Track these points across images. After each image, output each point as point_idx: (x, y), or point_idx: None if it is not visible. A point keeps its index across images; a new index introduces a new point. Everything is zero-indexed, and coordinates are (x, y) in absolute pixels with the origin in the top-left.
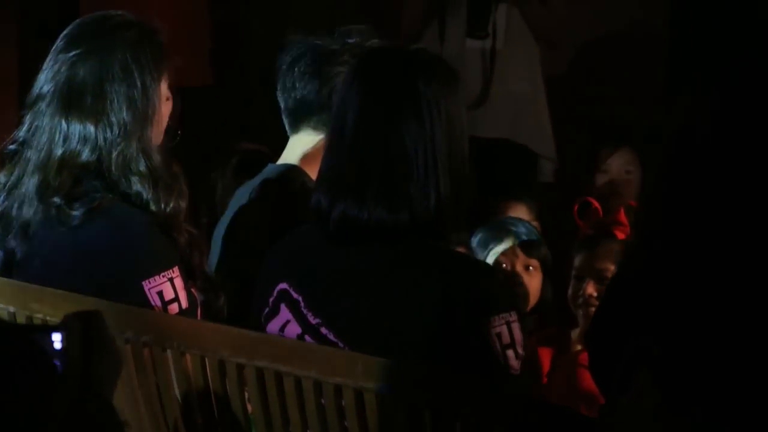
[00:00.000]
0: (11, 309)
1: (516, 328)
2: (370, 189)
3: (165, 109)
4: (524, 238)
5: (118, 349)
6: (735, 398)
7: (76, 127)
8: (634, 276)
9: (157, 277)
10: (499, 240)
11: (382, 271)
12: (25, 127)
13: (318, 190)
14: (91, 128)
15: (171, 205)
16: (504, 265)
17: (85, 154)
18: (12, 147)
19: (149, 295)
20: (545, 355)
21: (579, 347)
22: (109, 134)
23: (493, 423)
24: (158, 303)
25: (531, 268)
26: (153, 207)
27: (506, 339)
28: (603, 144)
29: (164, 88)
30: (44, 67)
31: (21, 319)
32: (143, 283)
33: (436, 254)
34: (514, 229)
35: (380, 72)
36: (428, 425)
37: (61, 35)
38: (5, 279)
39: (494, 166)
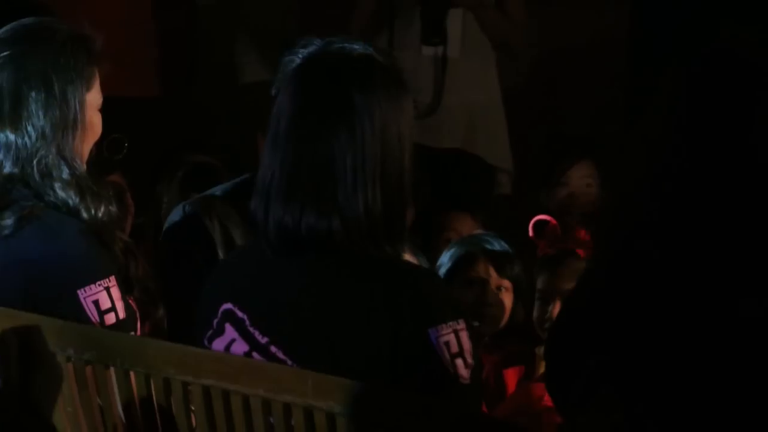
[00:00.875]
0: None
1: (464, 336)
2: (298, 195)
3: (96, 118)
4: (497, 257)
5: (58, 366)
6: (696, 416)
7: (8, 133)
8: (592, 293)
9: (92, 286)
10: (471, 258)
11: (322, 282)
12: None
13: (254, 198)
14: (12, 136)
15: (101, 212)
16: (474, 285)
17: (8, 164)
18: None
19: (84, 304)
20: (511, 377)
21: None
22: (28, 142)
23: None
24: (94, 312)
25: (503, 288)
26: (84, 214)
27: (454, 348)
28: (562, 156)
29: (93, 96)
30: None
31: None
32: (78, 291)
33: (375, 264)
34: (487, 246)
35: (315, 78)
36: None
37: None
38: None
39: (448, 178)
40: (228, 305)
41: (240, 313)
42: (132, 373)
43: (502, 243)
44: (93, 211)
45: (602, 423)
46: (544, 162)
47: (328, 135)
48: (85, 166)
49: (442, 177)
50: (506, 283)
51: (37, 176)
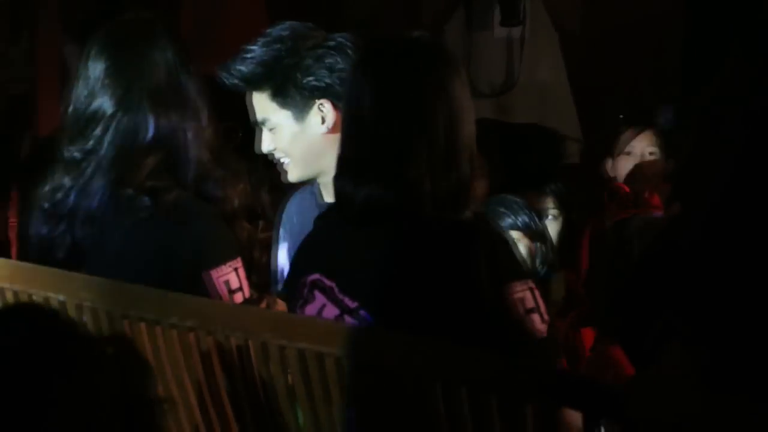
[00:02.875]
0: (61, 297)
1: (537, 294)
2: (379, 171)
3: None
4: (522, 227)
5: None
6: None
7: (149, 124)
8: (665, 252)
9: (223, 267)
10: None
11: (403, 248)
12: (98, 130)
13: (340, 176)
14: (164, 122)
15: (235, 200)
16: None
17: (156, 150)
18: (77, 155)
19: (217, 284)
20: (588, 336)
21: None
22: (176, 131)
23: (526, 395)
24: (225, 292)
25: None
26: (218, 201)
27: (530, 303)
28: (626, 127)
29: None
30: (104, 72)
31: (71, 308)
32: (211, 272)
33: (458, 228)
34: (511, 220)
35: (385, 62)
36: (465, 401)
37: (124, 37)
38: (54, 269)
39: (524, 150)
40: (315, 275)
41: (328, 282)
42: (232, 338)
43: (530, 215)
44: (227, 199)
45: (673, 375)
46: (610, 133)
47: (402, 115)
48: (223, 154)
49: (516, 150)
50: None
51: (181, 163)
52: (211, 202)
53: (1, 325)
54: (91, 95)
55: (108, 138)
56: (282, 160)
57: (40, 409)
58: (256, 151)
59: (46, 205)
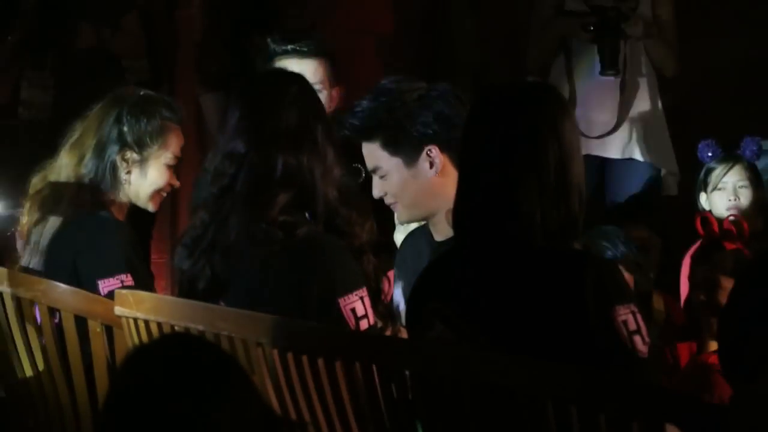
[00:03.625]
0: (200, 328)
1: (639, 317)
2: (496, 206)
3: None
4: (621, 257)
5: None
6: None
7: (278, 162)
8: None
9: (350, 296)
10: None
11: (518, 276)
12: (232, 169)
13: (458, 211)
14: (292, 161)
15: (363, 235)
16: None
17: (287, 188)
18: (215, 192)
19: (344, 311)
20: (684, 351)
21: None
22: (304, 169)
23: (632, 412)
24: (352, 319)
25: None
26: (346, 236)
27: (632, 326)
28: (717, 163)
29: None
30: (240, 117)
31: (209, 337)
32: (339, 300)
33: (567, 256)
34: (611, 252)
35: (502, 105)
36: (574, 418)
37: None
38: (193, 302)
39: (623, 183)
40: (435, 304)
41: (447, 309)
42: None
43: (629, 246)
44: (356, 235)
45: None
46: (704, 168)
47: (517, 155)
48: (352, 193)
49: (618, 183)
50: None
51: (308, 201)
52: (342, 237)
53: (160, 355)
54: (229, 139)
55: (242, 176)
56: (394, 204)
57: None
58: (374, 196)
59: (188, 240)
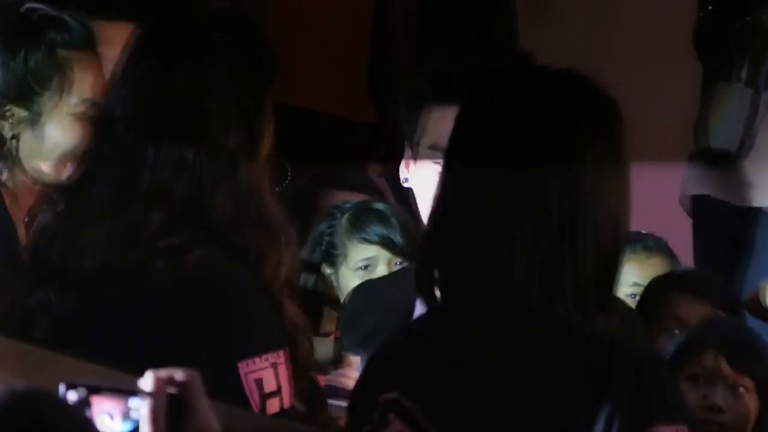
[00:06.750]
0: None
1: None
2: (492, 260)
3: (268, 138)
4: (733, 347)
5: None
6: None
7: (168, 154)
8: None
9: (257, 359)
10: (696, 346)
11: (521, 364)
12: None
13: (426, 267)
14: (189, 155)
15: (283, 265)
16: (701, 381)
17: (180, 188)
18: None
19: (244, 382)
20: None
21: None
22: (213, 163)
23: None
24: (255, 394)
25: (742, 388)
26: (260, 266)
27: None
28: None
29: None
30: (116, 81)
31: None
32: (239, 364)
33: (586, 338)
34: (721, 334)
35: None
36: None
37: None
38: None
39: None
40: (392, 394)
41: (409, 404)
42: None
43: (747, 332)
44: (273, 264)
45: None
46: None
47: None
48: (272, 201)
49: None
50: (747, 381)
51: (216, 209)
52: (249, 267)
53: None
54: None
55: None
56: None
57: None
58: None
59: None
